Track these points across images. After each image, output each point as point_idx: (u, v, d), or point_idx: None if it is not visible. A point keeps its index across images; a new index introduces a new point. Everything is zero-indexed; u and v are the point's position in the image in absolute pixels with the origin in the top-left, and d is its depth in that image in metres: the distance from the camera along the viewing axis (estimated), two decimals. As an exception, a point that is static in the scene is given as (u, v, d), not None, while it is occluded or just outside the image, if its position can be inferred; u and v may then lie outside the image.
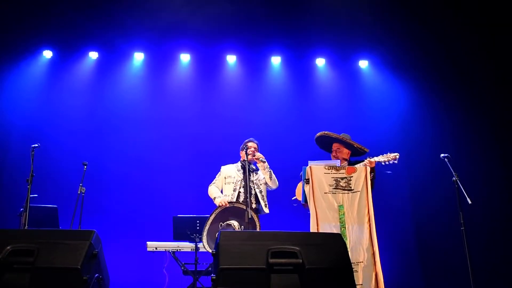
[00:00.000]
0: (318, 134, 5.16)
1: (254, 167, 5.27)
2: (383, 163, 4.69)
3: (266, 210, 5.08)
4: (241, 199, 4.98)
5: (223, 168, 5.35)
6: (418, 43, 7.52)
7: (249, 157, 5.06)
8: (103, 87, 7.53)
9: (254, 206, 4.98)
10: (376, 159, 4.70)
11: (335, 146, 5.12)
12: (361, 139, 5.43)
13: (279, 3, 7.31)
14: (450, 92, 7.45)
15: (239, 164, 5.32)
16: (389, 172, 4.68)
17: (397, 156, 4.67)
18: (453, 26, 7.24)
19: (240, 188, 5.08)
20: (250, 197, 4.94)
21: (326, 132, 5.09)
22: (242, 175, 5.11)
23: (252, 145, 5.28)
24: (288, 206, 5.51)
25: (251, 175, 5.12)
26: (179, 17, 7.18)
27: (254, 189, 5.08)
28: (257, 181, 5.16)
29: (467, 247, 4.75)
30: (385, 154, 4.71)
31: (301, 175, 5.24)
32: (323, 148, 5.35)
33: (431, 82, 7.55)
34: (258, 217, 4.85)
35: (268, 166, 5.12)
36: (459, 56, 7.43)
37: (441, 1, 7.12)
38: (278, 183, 5.25)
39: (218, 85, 7.72)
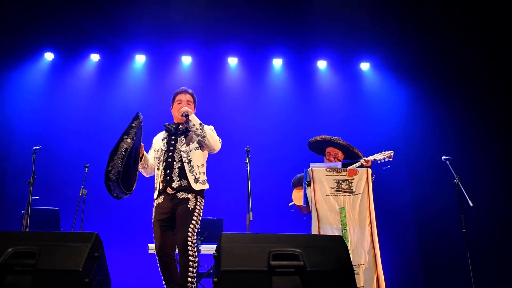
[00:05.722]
0: (316, 138, 5.08)
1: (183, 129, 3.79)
2: (378, 161, 4.71)
3: (196, 187, 3.56)
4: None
5: (154, 139, 3.99)
6: (419, 45, 7.53)
7: (176, 114, 3.79)
8: (104, 89, 7.53)
9: (177, 185, 3.56)
10: (371, 157, 4.71)
11: (331, 150, 5.06)
12: (363, 141, 5.42)
13: (281, 5, 7.31)
14: (451, 94, 7.44)
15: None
16: (388, 166, 4.67)
17: (392, 154, 4.70)
18: (454, 28, 7.24)
19: (162, 163, 3.65)
20: (171, 174, 3.57)
21: (324, 137, 5.04)
22: (166, 145, 3.74)
23: (181, 97, 3.86)
24: (288, 211, 5.48)
25: (178, 141, 3.73)
26: (180, 19, 7.19)
27: (181, 161, 3.61)
28: (186, 148, 3.67)
29: (468, 249, 4.76)
30: (380, 153, 4.73)
31: (292, 183, 5.22)
32: (316, 151, 5.30)
33: (433, 84, 7.54)
34: (197, 201, 3.57)
35: (199, 122, 3.64)
36: (461, 58, 7.43)
37: (442, 3, 7.13)
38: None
39: (220, 87, 7.70)
